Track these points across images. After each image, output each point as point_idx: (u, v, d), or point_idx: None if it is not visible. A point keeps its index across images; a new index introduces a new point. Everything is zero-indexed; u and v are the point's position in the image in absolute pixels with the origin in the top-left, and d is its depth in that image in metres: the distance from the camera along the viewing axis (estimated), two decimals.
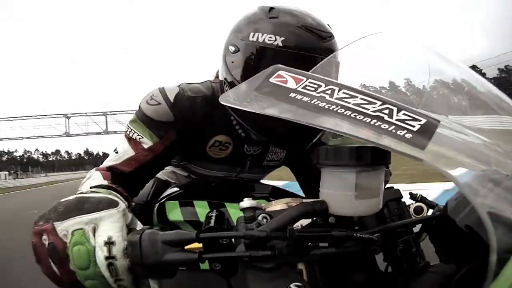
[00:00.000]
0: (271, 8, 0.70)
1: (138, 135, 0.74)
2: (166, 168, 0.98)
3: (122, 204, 0.47)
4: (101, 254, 0.41)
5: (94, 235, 0.42)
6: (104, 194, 0.50)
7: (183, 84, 0.79)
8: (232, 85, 0.73)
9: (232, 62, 0.73)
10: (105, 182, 0.65)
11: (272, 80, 0.41)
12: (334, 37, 0.71)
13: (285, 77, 0.41)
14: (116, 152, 0.75)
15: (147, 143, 0.74)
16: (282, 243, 0.39)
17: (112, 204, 0.46)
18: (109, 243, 0.41)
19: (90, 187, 0.58)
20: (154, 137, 0.74)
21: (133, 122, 0.76)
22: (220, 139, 0.82)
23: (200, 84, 0.82)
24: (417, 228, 0.51)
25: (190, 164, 0.92)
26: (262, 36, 0.67)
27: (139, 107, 0.76)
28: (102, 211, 0.44)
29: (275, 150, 0.93)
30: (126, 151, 0.75)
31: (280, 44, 0.65)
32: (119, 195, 0.52)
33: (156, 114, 0.74)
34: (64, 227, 0.42)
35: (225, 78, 0.76)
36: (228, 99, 0.41)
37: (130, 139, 0.75)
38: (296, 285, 0.37)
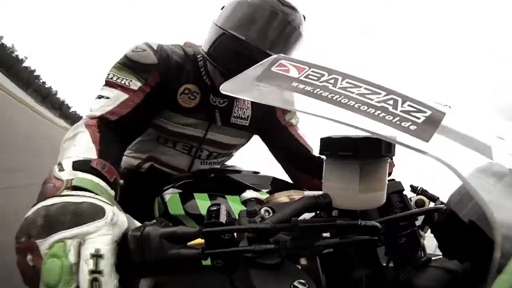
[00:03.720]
0: None
1: (126, 79, 0.83)
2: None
3: (110, 211, 0.40)
4: (85, 268, 0.35)
5: (78, 250, 0.36)
6: (87, 197, 0.42)
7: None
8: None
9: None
10: (92, 154, 0.61)
11: (274, 69, 0.40)
12: (298, 12, 0.89)
13: (287, 66, 0.40)
14: (107, 98, 0.81)
15: (136, 84, 0.84)
16: (286, 236, 0.39)
17: (98, 214, 0.39)
18: (97, 256, 0.35)
19: (73, 168, 0.51)
20: (141, 79, 0.85)
21: (118, 70, 0.85)
22: (189, 87, 0.95)
23: (173, 45, 0.98)
24: (418, 223, 0.51)
25: (160, 119, 0.97)
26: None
27: (125, 56, 0.87)
28: (87, 225, 0.38)
29: (240, 105, 1.04)
30: (118, 95, 0.81)
31: (249, 0, 0.86)
32: (105, 188, 0.49)
33: (142, 57, 0.86)
34: (47, 246, 0.36)
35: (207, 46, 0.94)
36: (228, 88, 0.40)
37: (116, 86, 0.83)
38: (299, 282, 0.37)
